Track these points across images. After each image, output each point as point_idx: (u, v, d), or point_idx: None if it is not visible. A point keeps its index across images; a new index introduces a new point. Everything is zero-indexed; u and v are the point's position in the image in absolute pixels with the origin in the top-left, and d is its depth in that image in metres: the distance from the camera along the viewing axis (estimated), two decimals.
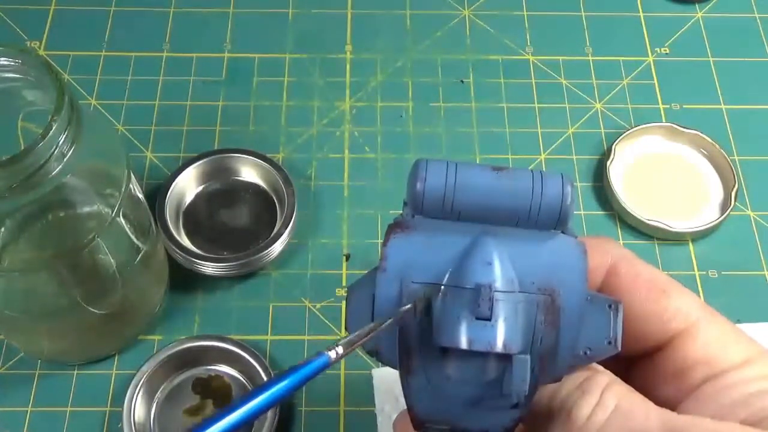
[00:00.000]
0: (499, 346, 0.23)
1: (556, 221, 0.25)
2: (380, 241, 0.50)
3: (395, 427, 0.30)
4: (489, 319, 0.23)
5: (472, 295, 0.23)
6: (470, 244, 0.24)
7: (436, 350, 0.24)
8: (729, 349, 0.27)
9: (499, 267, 0.24)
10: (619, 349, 0.26)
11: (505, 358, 0.23)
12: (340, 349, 0.23)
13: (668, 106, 0.57)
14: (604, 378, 0.26)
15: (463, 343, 0.23)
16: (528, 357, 0.23)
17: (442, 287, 0.24)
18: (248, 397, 0.21)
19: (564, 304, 0.24)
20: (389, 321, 0.24)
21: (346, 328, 0.29)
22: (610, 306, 0.26)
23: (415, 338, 0.24)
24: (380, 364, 0.45)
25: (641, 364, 0.28)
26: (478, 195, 0.25)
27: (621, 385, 0.25)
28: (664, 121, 0.55)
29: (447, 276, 0.24)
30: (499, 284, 0.23)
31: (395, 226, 0.25)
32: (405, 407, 0.30)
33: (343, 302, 0.47)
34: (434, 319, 0.24)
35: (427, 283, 0.24)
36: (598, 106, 0.56)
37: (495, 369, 0.24)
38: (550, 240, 0.25)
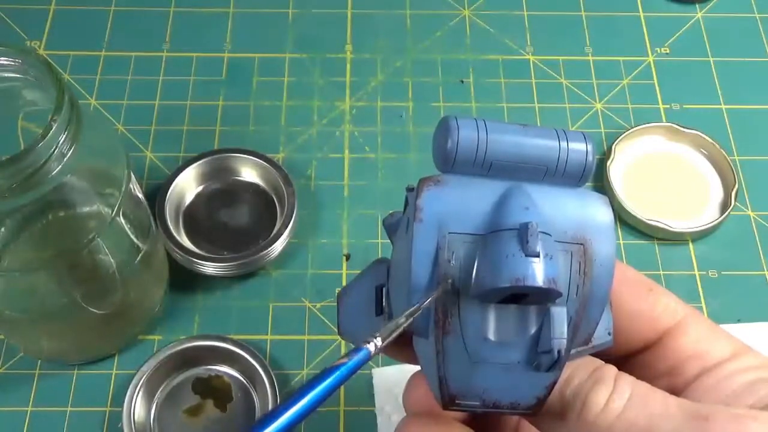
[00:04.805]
0: (548, 281, 0.23)
1: (581, 176, 0.25)
2: (380, 241, 0.51)
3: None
4: (537, 256, 0.23)
5: (518, 234, 0.23)
6: (505, 193, 0.24)
7: (475, 306, 0.24)
8: (718, 343, 0.27)
9: (537, 211, 0.24)
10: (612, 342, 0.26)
11: (544, 309, 0.24)
12: (378, 341, 0.22)
13: (668, 106, 0.57)
14: (612, 368, 0.26)
15: (512, 281, 0.22)
16: (565, 309, 0.24)
17: (482, 235, 0.24)
18: (289, 402, 0.21)
19: (595, 255, 0.25)
20: (426, 302, 0.23)
21: (339, 333, 0.29)
22: None
23: (454, 294, 0.24)
24: (379, 363, 0.46)
25: (630, 363, 0.28)
26: (510, 146, 0.25)
27: (630, 376, 0.25)
28: (664, 121, 0.55)
29: (485, 223, 0.24)
30: (540, 227, 0.23)
31: (426, 180, 0.25)
32: (403, 406, 0.30)
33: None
34: (477, 267, 0.24)
35: (465, 233, 0.24)
36: (598, 106, 0.56)
37: (534, 321, 0.24)
38: (576, 194, 0.25)
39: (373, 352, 0.22)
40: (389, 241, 0.29)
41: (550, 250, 0.23)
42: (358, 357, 0.22)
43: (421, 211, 0.24)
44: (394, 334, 0.23)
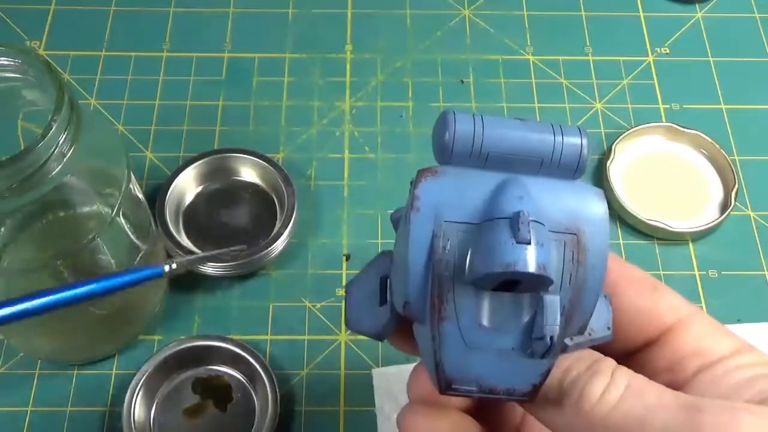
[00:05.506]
0: (539, 268, 0.23)
1: (575, 169, 0.26)
2: (380, 241, 0.51)
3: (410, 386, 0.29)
4: (529, 243, 0.23)
5: (510, 222, 0.24)
6: (500, 184, 0.25)
7: (470, 292, 0.24)
8: (720, 340, 0.27)
9: (530, 201, 0.24)
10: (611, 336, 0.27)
11: (537, 297, 0.24)
12: (174, 265, 0.23)
13: (668, 106, 0.57)
14: (611, 361, 0.26)
15: (503, 267, 0.23)
16: (558, 297, 0.24)
17: (477, 223, 0.24)
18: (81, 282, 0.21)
19: (589, 245, 0.25)
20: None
21: (346, 324, 0.29)
22: (605, 296, 0.27)
23: (449, 280, 0.24)
24: (379, 363, 0.46)
25: (633, 360, 0.28)
26: (506, 137, 0.25)
27: (628, 369, 0.26)
28: (664, 121, 0.55)
29: (480, 212, 0.25)
30: (532, 216, 0.24)
31: (425, 171, 0.25)
32: (402, 404, 0.30)
33: (344, 302, 0.47)
34: (471, 254, 0.24)
35: (460, 222, 0.25)
36: (598, 106, 0.56)
37: (528, 308, 0.24)
38: (571, 186, 0.26)
39: (166, 272, 0.23)
40: (395, 237, 0.29)
41: (542, 239, 0.24)
42: (151, 270, 0.23)
43: (418, 200, 0.25)
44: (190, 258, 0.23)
